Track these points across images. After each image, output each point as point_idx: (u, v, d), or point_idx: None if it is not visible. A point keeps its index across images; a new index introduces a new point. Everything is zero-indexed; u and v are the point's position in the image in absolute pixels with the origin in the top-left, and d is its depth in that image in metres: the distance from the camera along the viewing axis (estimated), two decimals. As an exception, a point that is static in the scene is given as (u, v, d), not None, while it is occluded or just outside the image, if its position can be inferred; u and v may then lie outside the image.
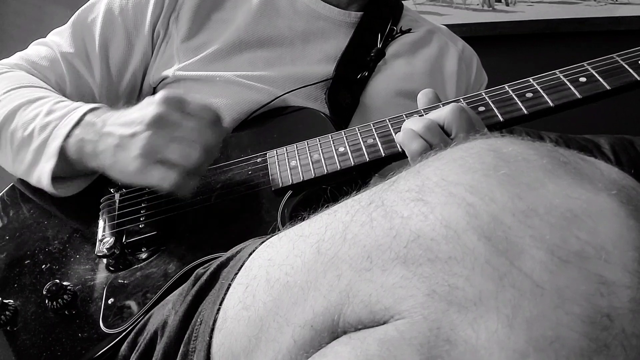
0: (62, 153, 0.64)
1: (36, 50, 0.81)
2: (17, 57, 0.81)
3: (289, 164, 0.65)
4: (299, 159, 0.65)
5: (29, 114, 0.68)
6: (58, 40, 0.80)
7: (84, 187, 0.71)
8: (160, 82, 0.82)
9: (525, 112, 0.59)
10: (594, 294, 0.26)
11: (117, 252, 0.62)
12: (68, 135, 0.63)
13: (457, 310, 0.28)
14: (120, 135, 0.59)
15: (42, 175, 0.66)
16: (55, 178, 0.66)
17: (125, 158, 0.58)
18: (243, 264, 0.44)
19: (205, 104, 0.61)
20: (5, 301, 0.60)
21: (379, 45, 0.82)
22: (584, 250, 0.27)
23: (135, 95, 0.86)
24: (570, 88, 0.59)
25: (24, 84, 0.73)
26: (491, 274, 0.27)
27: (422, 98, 0.64)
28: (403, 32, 0.84)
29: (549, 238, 0.27)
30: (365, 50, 0.82)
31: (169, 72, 0.79)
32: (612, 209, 0.28)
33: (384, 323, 0.30)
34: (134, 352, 0.51)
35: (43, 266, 0.64)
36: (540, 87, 0.60)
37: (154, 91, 0.86)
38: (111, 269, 0.62)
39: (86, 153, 0.63)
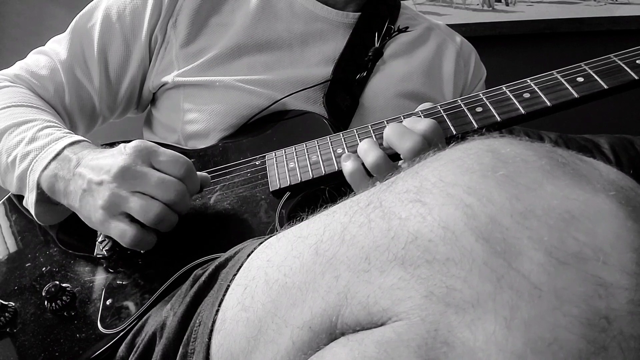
0: (39, 185, 0.63)
1: (35, 59, 0.81)
2: (17, 67, 0.81)
3: (287, 165, 0.66)
4: (297, 161, 0.65)
5: (14, 140, 0.67)
6: (57, 48, 0.80)
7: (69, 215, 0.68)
8: (160, 88, 0.82)
9: (523, 112, 0.59)
10: (592, 296, 0.26)
11: (116, 254, 0.62)
12: (45, 168, 0.62)
13: (454, 312, 0.27)
14: (89, 180, 0.58)
15: (29, 204, 0.65)
16: (46, 202, 0.65)
17: (91, 205, 0.58)
18: (242, 264, 0.44)
19: (179, 156, 0.59)
20: (5, 303, 0.60)
21: (377, 45, 0.82)
22: (582, 252, 0.27)
23: (134, 101, 0.86)
24: (567, 88, 0.59)
25: (16, 103, 0.72)
26: (489, 275, 0.27)
27: (419, 109, 0.65)
28: (401, 31, 0.84)
29: (546, 239, 0.27)
30: (364, 51, 0.82)
31: (168, 78, 0.79)
32: (611, 210, 0.28)
33: (382, 325, 0.30)
34: (133, 353, 0.51)
35: (43, 268, 0.64)
36: (538, 87, 0.60)
37: (153, 97, 0.86)
38: (110, 270, 0.62)
39: (57, 190, 0.62)
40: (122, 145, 0.59)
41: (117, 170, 0.56)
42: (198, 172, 0.62)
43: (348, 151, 0.63)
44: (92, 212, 0.58)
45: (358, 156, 0.60)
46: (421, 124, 0.58)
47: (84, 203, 0.59)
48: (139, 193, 0.56)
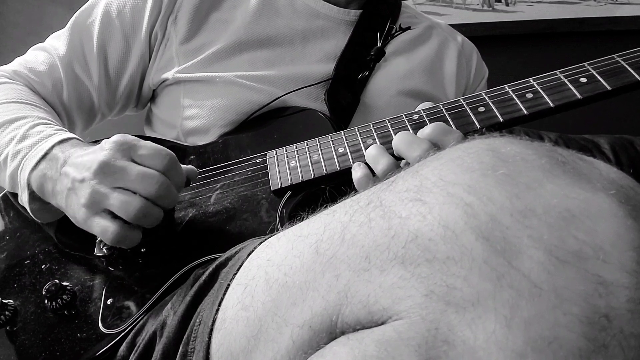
0: (29, 185, 0.63)
1: (34, 55, 0.81)
2: (15, 64, 0.81)
3: (289, 164, 0.66)
4: (299, 160, 0.65)
5: (5, 137, 0.67)
6: (56, 44, 0.80)
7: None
8: (160, 85, 0.82)
9: (526, 112, 0.59)
10: (592, 294, 0.26)
11: (116, 253, 0.62)
12: (34, 168, 0.62)
13: (455, 311, 0.27)
14: (73, 179, 0.57)
15: (23, 202, 0.65)
16: (39, 200, 0.65)
17: (75, 204, 0.57)
18: (242, 264, 0.44)
19: (160, 148, 0.58)
20: (4, 301, 0.60)
21: (379, 44, 0.82)
22: (582, 250, 0.27)
23: (133, 98, 0.86)
24: (570, 89, 0.59)
25: (10, 99, 0.72)
26: (489, 274, 0.27)
27: (420, 108, 0.65)
28: (403, 30, 0.84)
29: (547, 238, 0.27)
30: (365, 49, 0.82)
31: (168, 75, 0.79)
32: (611, 208, 0.28)
33: (382, 324, 0.30)
34: (133, 352, 0.51)
35: (43, 266, 0.64)
36: (541, 88, 0.60)
37: (153, 94, 0.86)
38: (110, 269, 0.62)
39: (46, 190, 0.61)
40: (104, 140, 0.58)
41: (97, 166, 0.55)
42: (183, 165, 0.61)
43: (349, 151, 0.63)
44: (75, 210, 0.58)
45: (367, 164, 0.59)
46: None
47: (69, 202, 0.58)
48: (120, 189, 0.55)
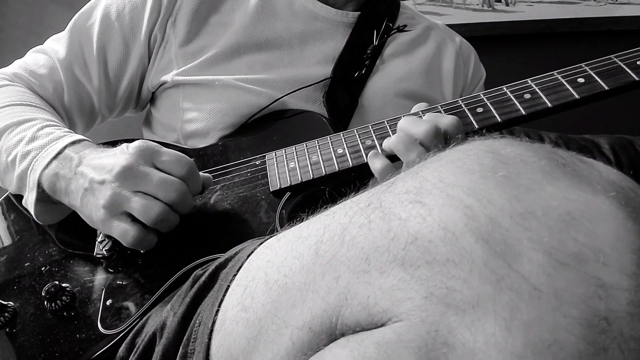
0: (39, 184, 0.63)
1: (34, 58, 0.80)
2: (15, 66, 0.80)
3: (288, 165, 0.66)
4: (298, 161, 0.65)
5: (13, 139, 0.67)
6: (56, 46, 0.80)
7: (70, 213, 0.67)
8: (159, 87, 0.82)
9: (524, 112, 0.60)
10: (592, 297, 0.26)
11: (116, 254, 0.62)
12: (45, 167, 0.62)
13: (454, 313, 0.27)
14: (91, 179, 0.58)
15: (28, 203, 0.65)
16: (46, 201, 0.65)
17: (92, 205, 0.58)
18: (242, 265, 0.44)
19: (181, 155, 0.59)
20: (4, 303, 0.60)
21: (375, 42, 0.82)
22: (582, 253, 0.27)
23: (132, 100, 0.86)
24: (568, 89, 0.59)
25: (14, 102, 0.72)
26: (489, 276, 0.27)
27: (416, 109, 0.65)
28: (400, 29, 0.84)
29: (546, 240, 0.27)
30: (363, 50, 0.82)
31: (167, 77, 0.79)
32: (611, 210, 0.28)
33: (382, 325, 0.30)
34: (133, 353, 0.51)
35: (43, 268, 0.64)
36: (539, 88, 0.60)
37: (152, 96, 0.86)
38: (110, 270, 0.62)
39: (58, 189, 0.62)
40: (124, 144, 0.59)
41: (120, 169, 0.56)
42: (200, 172, 0.62)
43: (348, 152, 0.63)
44: (93, 211, 0.58)
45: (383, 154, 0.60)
46: (444, 119, 0.59)
47: (85, 202, 0.59)
48: (140, 193, 0.56)
